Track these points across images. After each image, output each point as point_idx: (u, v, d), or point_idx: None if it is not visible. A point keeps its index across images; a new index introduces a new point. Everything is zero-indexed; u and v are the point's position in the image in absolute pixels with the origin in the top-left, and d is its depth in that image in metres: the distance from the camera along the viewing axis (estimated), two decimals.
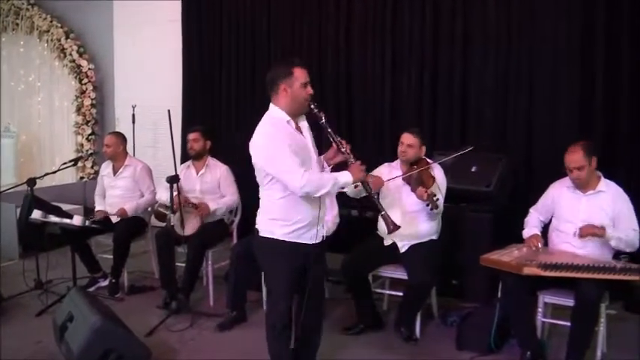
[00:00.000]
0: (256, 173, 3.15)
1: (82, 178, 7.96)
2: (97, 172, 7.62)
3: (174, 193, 4.59)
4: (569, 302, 3.64)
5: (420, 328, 4.26)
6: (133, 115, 7.40)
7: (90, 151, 7.86)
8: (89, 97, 7.94)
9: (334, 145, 3.21)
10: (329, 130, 3.15)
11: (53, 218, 4.82)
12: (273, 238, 3.12)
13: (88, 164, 7.97)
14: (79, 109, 7.98)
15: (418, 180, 4.12)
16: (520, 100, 5.34)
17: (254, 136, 3.09)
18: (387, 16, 5.94)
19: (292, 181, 2.96)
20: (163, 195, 4.77)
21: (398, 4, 5.89)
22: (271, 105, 3.14)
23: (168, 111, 4.52)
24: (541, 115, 5.26)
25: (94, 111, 8.02)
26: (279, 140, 3.00)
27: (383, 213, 3.36)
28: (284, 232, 3.10)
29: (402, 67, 5.91)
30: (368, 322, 4.35)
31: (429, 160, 4.34)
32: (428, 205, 3.97)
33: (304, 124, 3.22)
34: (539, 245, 3.87)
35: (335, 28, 6.29)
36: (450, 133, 5.61)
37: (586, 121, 5.08)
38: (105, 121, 8.21)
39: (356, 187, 3.79)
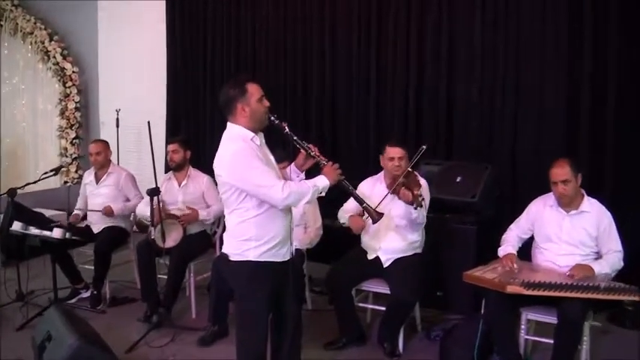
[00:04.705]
0: (223, 194, 3.06)
1: (65, 182, 7.87)
2: (81, 177, 7.55)
3: (155, 206, 4.53)
4: (553, 320, 3.60)
5: (403, 343, 4.22)
6: (117, 119, 7.32)
7: (74, 156, 7.79)
8: (73, 100, 7.86)
9: (302, 151, 3.17)
10: (294, 137, 3.12)
11: (33, 230, 4.73)
12: (246, 261, 3.03)
13: (72, 169, 7.89)
14: (62, 113, 7.90)
15: (402, 185, 4.02)
16: (505, 112, 5.30)
17: (222, 155, 3.01)
18: (372, 28, 5.92)
19: (274, 194, 2.91)
20: (145, 210, 4.70)
21: (383, 18, 5.86)
22: (230, 124, 3.06)
23: (148, 122, 4.44)
24: (526, 127, 5.22)
25: (78, 114, 7.95)
26: (251, 155, 2.94)
27: (365, 205, 3.37)
28: (257, 252, 3.02)
29: (387, 80, 5.88)
30: (351, 337, 4.30)
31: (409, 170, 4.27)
32: (413, 204, 3.87)
33: (263, 142, 3.16)
34: (514, 266, 3.75)
35: (319, 38, 6.28)
36: (435, 145, 5.54)
37: (572, 133, 5.05)
38: (89, 124, 8.14)
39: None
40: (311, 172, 3.24)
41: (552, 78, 5.08)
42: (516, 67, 5.23)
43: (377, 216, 3.43)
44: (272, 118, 3.08)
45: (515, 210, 4.52)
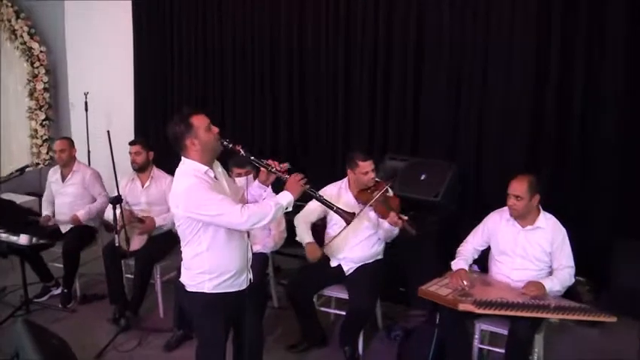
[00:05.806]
0: (178, 227, 3.09)
1: (37, 164, 7.79)
2: (52, 158, 7.53)
3: (118, 212, 4.54)
4: (505, 331, 3.70)
5: (363, 343, 4.31)
6: (86, 103, 7.23)
7: (45, 137, 7.73)
8: (42, 80, 7.73)
9: (262, 169, 3.19)
10: (252, 157, 3.12)
11: (1, 235, 4.73)
12: (202, 292, 3.09)
13: (44, 150, 7.83)
14: (32, 94, 7.78)
15: (385, 203, 4.12)
16: (472, 108, 5.32)
17: (176, 190, 3.02)
18: (341, 21, 5.88)
19: (233, 219, 2.92)
20: (109, 214, 4.72)
21: (351, 12, 5.82)
22: (183, 159, 3.06)
23: (108, 132, 4.44)
24: (492, 124, 5.26)
25: (47, 95, 7.83)
26: (204, 188, 2.95)
27: (335, 208, 3.35)
28: (212, 285, 3.07)
29: (355, 74, 5.87)
30: (313, 341, 4.42)
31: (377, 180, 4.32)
32: (404, 229, 4.00)
33: (219, 171, 3.18)
34: (465, 283, 3.78)
35: (287, 32, 6.25)
36: (401, 139, 5.57)
37: (537, 131, 5.09)
38: (59, 105, 8.04)
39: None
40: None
41: (520, 75, 5.10)
42: (484, 63, 5.25)
43: (349, 217, 3.42)
44: (224, 142, 3.07)
45: (478, 207, 4.61)
